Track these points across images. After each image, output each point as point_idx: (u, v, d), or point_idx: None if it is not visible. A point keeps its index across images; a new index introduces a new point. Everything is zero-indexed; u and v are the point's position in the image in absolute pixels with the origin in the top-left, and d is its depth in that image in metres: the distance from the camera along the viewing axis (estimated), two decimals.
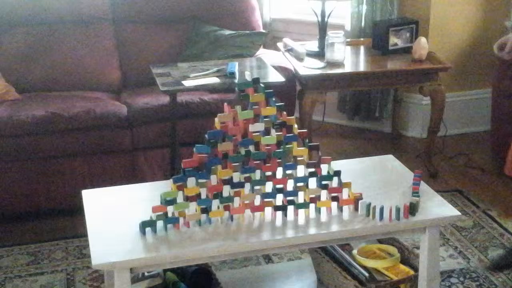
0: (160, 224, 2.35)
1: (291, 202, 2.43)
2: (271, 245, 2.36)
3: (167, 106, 3.62)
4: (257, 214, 2.44)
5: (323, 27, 4.18)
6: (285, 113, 2.41)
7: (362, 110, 4.76)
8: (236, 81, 3.32)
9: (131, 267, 2.23)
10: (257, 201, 2.43)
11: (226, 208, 2.41)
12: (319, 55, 4.11)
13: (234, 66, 3.45)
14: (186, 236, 2.33)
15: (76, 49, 4.09)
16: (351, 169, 2.72)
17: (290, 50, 4.18)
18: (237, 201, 2.41)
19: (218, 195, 2.39)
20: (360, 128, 4.89)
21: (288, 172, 2.43)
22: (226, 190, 2.40)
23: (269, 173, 2.41)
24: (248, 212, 2.43)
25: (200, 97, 3.77)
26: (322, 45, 4.12)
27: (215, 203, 2.40)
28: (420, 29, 4.25)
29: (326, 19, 4.18)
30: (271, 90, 2.39)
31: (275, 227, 2.40)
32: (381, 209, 2.42)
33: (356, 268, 2.75)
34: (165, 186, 2.47)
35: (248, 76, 2.47)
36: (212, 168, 2.36)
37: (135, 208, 2.47)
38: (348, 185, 2.48)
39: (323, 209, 2.47)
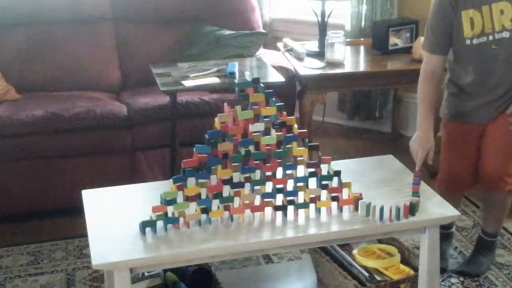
0: (160, 224, 2.34)
1: (291, 202, 2.43)
2: (271, 245, 2.36)
3: (167, 106, 3.62)
4: (257, 214, 2.44)
5: (323, 27, 4.18)
6: (285, 113, 2.41)
7: (362, 110, 4.76)
8: (236, 81, 3.31)
9: (131, 267, 2.23)
10: (257, 201, 2.43)
11: (226, 208, 2.41)
12: (319, 55, 4.11)
13: (234, 66, 3.45)
14: (186, 236, 2.33)
15: (76, 49, 4.09)
16: (351, 169, 2.72)
17: (290, 50, 4.18)
18: (237, 201, 2.41)
19: (218, 195, 2.39)
20: (360, 128, 4.89)
21: (288, 172, 2.43)
22: (226, 190, 2.40)
23: (269, 173, 2.41)
24: (248, 212, 2.43)
25: (200, 97, 3.77)
26: (322, 45, 4.12)
27: (215, 203, 2.40)
28: (420, 29, 4.24)
29: (326, 19, 4.18)
30: (271, 90, 2.39)
31: (275, 227, 2.40)
32: (381, 209, 2.41)
33: (356, 268, 2.75)
34: (165, 186, 2.47)
35: (248, 76, 2.46)
36: (212, 168, 2.36)
37: (135, 208, 2.47)
38: (348, 185, 2.48)
39: (323, 209, 2.47)
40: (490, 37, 2.85)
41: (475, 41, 2.87)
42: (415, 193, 2.53)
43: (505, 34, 2.83)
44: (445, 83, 3.09)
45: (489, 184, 3.02)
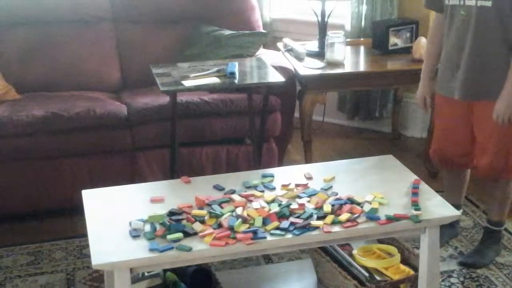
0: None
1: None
2: (271, 245, 2.36)
3: (167, 106, 3.62)
4: None
5: (323, 27, 4.18)
6: None
7: (362, 110, 4.76)
8: (236, 81, 3.32)
9: (131, 267, 2.23)
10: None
11: None
12: (319, 55, 4.10)
13: (234, 66, 3.45)
14: None
15: (76, 49, 4.09)
16: (351, 169, 2.72)
17: (290, 50, 4.17)
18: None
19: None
20: (360, 128, 4.89)
21: None
22: None
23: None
24: None
25: (200, 97, 3.77)
26: (322, 45, 4.12)
27: None
28: (420, 29, 4.24)
29: (326, 19, 4.17)
30: None
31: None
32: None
33: (356, 268, 2.75)
34: (165, 186, 2.47)
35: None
36: None
37: (135, 208, 2.47)
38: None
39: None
40: (462, 1, 2.87)
41: (450, 2, 2.91)
42: (415, 205, 2.51)
43: (472, 2, 2.83)
44: None
45: (491, 175, 3.07)
